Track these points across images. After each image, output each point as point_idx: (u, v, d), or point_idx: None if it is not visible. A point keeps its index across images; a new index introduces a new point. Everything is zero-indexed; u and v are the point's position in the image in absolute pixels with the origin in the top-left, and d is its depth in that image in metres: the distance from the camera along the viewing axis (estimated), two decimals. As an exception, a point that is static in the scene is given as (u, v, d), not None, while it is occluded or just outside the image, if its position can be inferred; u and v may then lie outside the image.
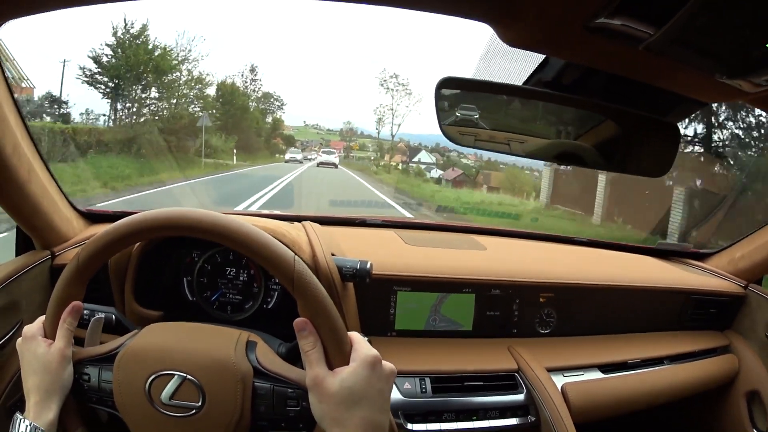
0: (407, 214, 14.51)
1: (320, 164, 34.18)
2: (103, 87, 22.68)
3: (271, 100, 40.34)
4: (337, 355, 0.99)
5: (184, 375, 1.02)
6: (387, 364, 1.01)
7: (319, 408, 0.97)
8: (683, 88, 0.88)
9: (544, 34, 0.72)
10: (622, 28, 0.64)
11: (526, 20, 0.68)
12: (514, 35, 0.74)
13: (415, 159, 43.66)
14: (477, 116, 1.21)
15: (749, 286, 2.24)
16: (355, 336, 1.04)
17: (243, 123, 33.79)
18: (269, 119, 42.07)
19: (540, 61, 1.04)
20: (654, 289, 2.10)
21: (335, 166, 34.91)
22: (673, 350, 2.05)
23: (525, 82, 1.10)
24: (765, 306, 2.17)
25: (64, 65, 23.37)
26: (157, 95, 24.88)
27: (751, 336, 2.20)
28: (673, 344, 2.08)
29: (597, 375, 1.84)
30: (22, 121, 1.40)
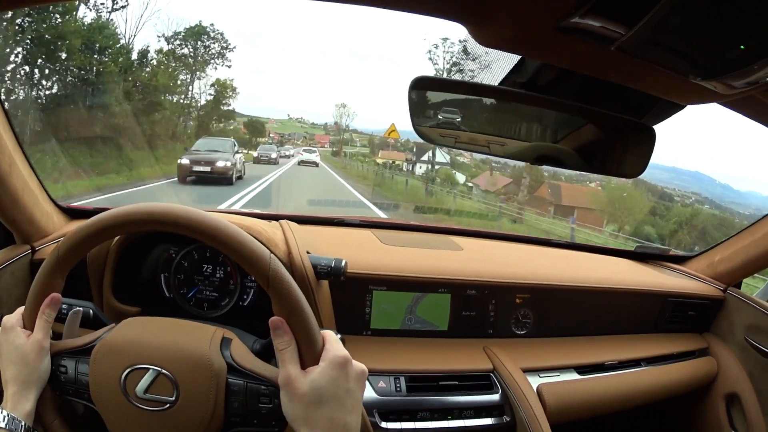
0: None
1: (301, 163, 32.93)
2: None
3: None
4: (309, 354, 0.99)
5: (159, 369, 1.02)
6: (357, 365, 1.01)
7: (289, 407, 0.97)
8: (658, 90, 0.88)
9: (515, 33, 0.71)
10: (593, 28, 0.64)
11: (497, 20, 0.68)
12: (486, 35, 0.73)
13: (424, 158, 39.46)
14: (459, 119, 1.21)
15: (728, 289, 2.26)
16: (328, 335, 1.04)
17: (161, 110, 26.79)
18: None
19: (516, 61, 1.03)
20: (632, 291, 2.11)
21: (316, 164, 33.47)
22: (651, 352, 2.06)
23: (501, 83, 1.09)
24: (744, 309, 2.18)
25: None
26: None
27: (730, 339, 2.21)
28: (651, 346, 2.09)
29: (573, 376, 1.84)
30: (4, 114, 1.39)
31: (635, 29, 0.62)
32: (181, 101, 30.98)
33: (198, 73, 32.56)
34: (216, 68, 33.19)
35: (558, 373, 1.82)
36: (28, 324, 1.10)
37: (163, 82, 28.26)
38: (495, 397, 1.68)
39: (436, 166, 38.09)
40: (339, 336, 1.08)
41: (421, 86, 1.14)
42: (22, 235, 1.63)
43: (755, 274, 2.34)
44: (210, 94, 33.42)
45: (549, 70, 1.01)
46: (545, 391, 1.72)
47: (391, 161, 42.81)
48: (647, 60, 0.71)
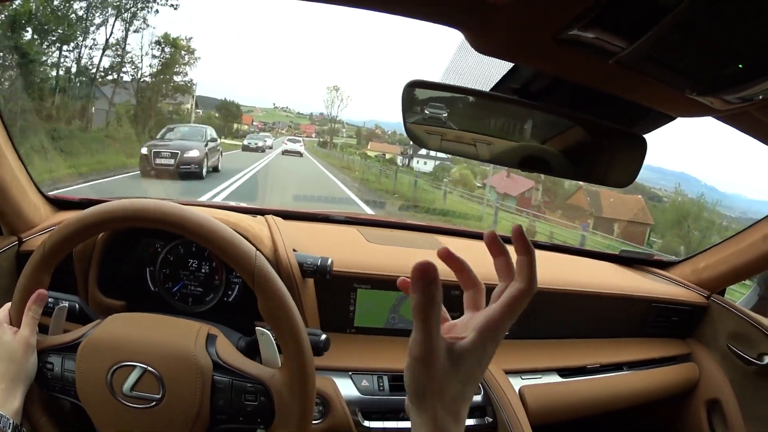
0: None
1: (285, 152, 31.78)
2: None
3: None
4: (293, 351, 1.02)
5: (145, 366, 1.03)
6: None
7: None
8: (652, 102, 0.88)
9: (514, 43, 0.71)
10: (593, 41, 0.63)
11: (496, 28, 0.67)
12: (484, 42, 0.73)
13: (422, 152, 37.20)
14: (446, 115, 1.20)
15: (712, 296, 2.28)
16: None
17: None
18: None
19: (510, 66, 1.03)
20: (615, 295, 2.12)
21: (300, 154, 32.44)
22: (634, 357, 2.07)
23: (493, 88, 1.09)
24: (727, 316, 2.20)
25: None
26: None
27: (713, 345, 2.23)
28: (634, 351, 2.11)
29: (555, 379, 1.86)
30: None
31: (636, 44, 0.62)
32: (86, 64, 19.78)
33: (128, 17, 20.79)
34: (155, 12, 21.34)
35: (540, 376, 1.83)
36: (15, 320, 1.10)
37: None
38: (477, 398, 1.68)
39: (436, 162, 36.91)
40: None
41: (414, 90, 1.14)
42: (8, 227, 1.62)
43: (738, 282, 2.37)
44: (155, 56, 23.13)
45: (542, 77, 1.01)
46: (527, 393, 1.73)
47: (382, 154, 41.57)
48: (644, 74, 0.71)
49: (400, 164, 39.83)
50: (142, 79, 23.01)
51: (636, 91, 0.82)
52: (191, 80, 25.63)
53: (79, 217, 1.08)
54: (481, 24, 0.67)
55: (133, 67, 22.26)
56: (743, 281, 2.41)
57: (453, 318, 0.82)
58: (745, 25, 0.60)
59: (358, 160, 34.44)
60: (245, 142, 28.42)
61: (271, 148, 31.52)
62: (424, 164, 39.05)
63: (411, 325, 1.58)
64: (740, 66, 0.65)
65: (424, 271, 0.68)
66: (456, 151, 1.25)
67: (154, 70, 23.74)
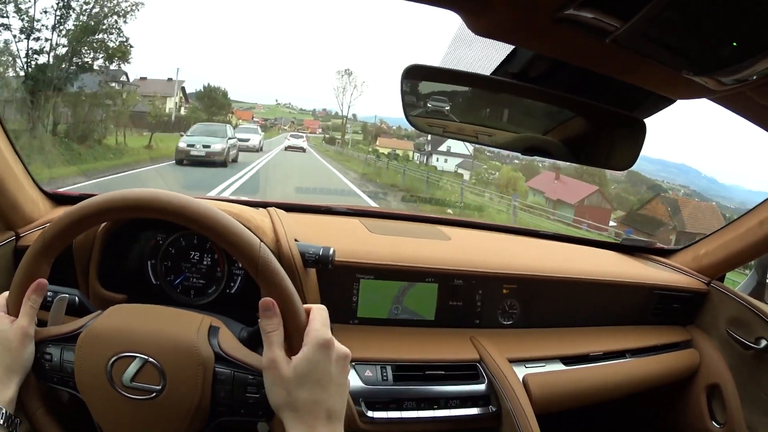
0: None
1: (288, 148, 31.21)
2: None
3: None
4: (297, 343, 0.99)
5: (146, 357, 1.02)
6: (340, 347, 1.01)
7: (273, 390, 0.97)
8: (649, 83, 0.88)
9: (513, 24, 0.71)
10: (589, 20, 0.64)
11: (494, 9, 0.68)
12: (482, 24, 0.73)
13: (442, 148, 34.25)
14: (447, 108, 1.21)
15: (712, 282, 2.28)
16: (316, 312, 1.04)
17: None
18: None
19: (508, 51, 1.04)
20: (617, 283, 2.12)
21: (303, 150, 31.79)
22: (636, 344, 2.08)
23: (493, 72, 1.10)
24: (726, 302, 2.21)
25: None
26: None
27: (713, 332, 2.24)
28: (636, 338, 2.11)
29: (559, 367, 1.86)
30: None
31: (631, 23, 0.62)
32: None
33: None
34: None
35: (543, 364, 1.84)
36: (12, 310, 1.08)
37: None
38: (481, 386, 1.69)
39: (458, 159, 34.14)
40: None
41: (413, 75, 1.14)
42: (5, 222, 1.61)
43: (737, 269, 2.38)
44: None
45: (541, 61, 1.01)
46: (531, 381, 1.74)
47: (393, 150, 38.81)
48: (641, 53, 0.72)
49: (417, 161, 37.13)
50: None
51: (633, 72, 0.82)
52: (128, 41, 17.76)
53: (80, 206, 1.07)
54: (478, 5, 0.68)
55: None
56: (742, 267, 2.41)
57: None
58: (738, 4, 0.61)
59: (374, 161, 30.66)
60: (181, 143, 19.04)
61: (259, 150, 26.64)
62: (444, 162, 36.26)
63: (414, 315, 1.58)
64: (734, 44, 0.66)
65: None
66: (460, 140, 1.26)
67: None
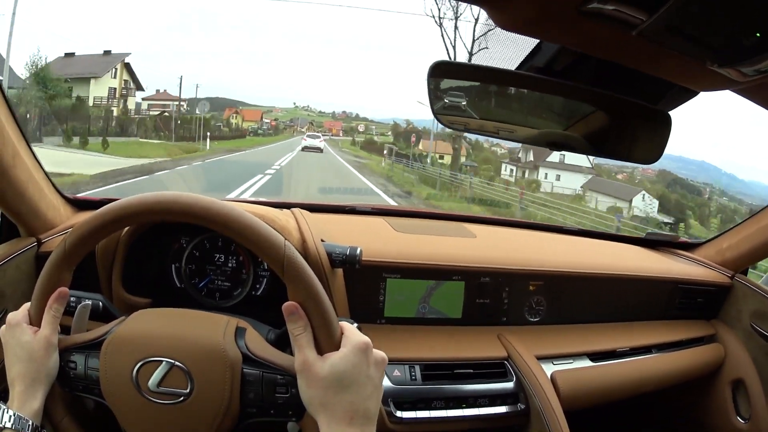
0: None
1: (305, 149, 31.54)
2: None
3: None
4: (326, 339, 0.99)
5: (172, 361, 1.02)
6: (378, 352, 1.01)
7: (308, 392, 0.97)
8: (674, 76, 0.89)
9: (537, 16, 0.72)
10: (615, 13, 0.65)
11: (519, 2, 0.69)
12: (507, 18, 0.74)
13: (552, 158, 25.52)
14: (465, 103, 1.21)
15: (735, 276, 2.27)
16: (346, 323, 1.04)
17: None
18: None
19: (533, 46, 1.04)
20: (642, 278, 2.12)
21: (320, 150, 32.04)
22: (661, 339, 2.07)
23: (518, 68, 1.10)
24: (750, 296, 2.20)
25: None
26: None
27: (737, 325, 2.23)
28: (661, 333, 2.10)
29: (586, 363, 1.86)
30: (6, 104, 1.37)
31: (656, 15, 0.63)
32: None
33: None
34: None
35: (571, 360, 1.84)
36: (35, 320, 1.08)
37: None
38: (509, 384, 1.69)
39: (587, 176, 26.53)
40: (355, 325, 1.08)
41: (439, 72, 1.14)
42: (27, 228, 1.61)
43: (760, 260, 2.37)
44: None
45: (565, 54, 1.02)
46: (559, 378, 1.74)
47: (439, 156, 33.21)
48: (665, 46, 0.72)
49: (510, 176, 29.12)
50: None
51: (658, 64, 0.83)
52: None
53: (101, 212, 1.06)
54: None
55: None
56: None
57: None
58: None
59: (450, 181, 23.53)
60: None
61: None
62: (556, 179, 28.41)
63: (442, 314, 1.58)
64: (758, 35, 0.67)
65: None
66: (483, 135, 1.27)
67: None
